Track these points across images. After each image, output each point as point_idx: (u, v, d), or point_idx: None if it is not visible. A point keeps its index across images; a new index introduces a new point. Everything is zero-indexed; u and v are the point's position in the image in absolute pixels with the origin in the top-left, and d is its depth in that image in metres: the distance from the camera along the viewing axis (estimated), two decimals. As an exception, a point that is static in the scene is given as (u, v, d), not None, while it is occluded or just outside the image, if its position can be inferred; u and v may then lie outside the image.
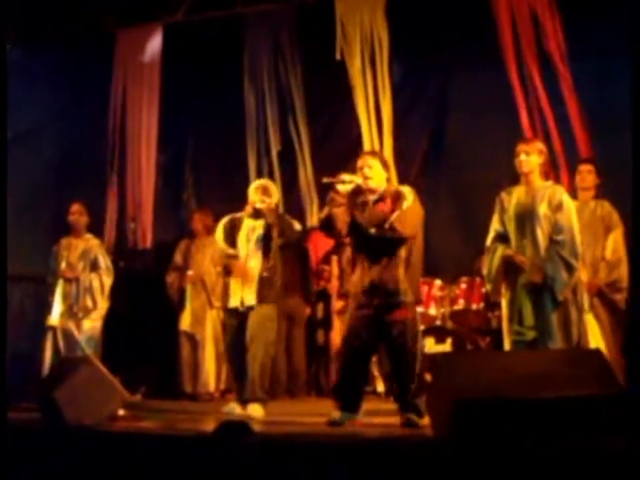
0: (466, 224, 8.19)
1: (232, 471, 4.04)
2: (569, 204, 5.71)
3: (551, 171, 6.33)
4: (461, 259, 8.17)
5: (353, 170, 5.85)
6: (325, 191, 6.02)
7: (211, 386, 8.38)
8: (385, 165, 5.91)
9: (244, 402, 6.43)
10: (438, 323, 7.90)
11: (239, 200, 6.82)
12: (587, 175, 6.68)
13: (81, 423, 5.49)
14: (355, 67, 8.24)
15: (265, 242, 6.55)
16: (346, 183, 5.69)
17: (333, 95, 8.76)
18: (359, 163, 5.86)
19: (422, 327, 7.89)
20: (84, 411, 5.66)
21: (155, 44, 8.96)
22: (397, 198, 5.70)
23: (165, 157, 9.15)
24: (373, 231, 5.62)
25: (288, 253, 7.82)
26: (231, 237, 6.68)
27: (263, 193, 6.59)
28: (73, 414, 5.62)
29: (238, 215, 6.74)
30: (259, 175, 8.51)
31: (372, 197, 5.77)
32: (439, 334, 7.72)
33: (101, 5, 8.76)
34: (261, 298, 6.48)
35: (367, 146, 8.10)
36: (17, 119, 8.56)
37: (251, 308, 6.48)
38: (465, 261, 7.97)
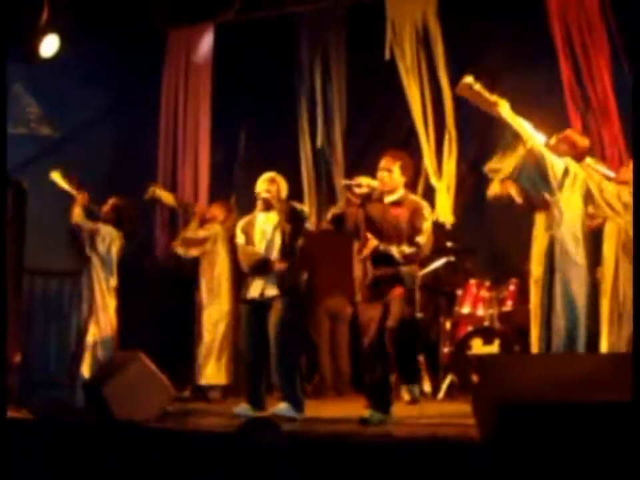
0: (515, 225, 8.12)
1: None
2: None
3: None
4: (510, 261, 8.11)
5: None
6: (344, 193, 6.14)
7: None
8: (405, 168, 5.97)
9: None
10: (486, 324, 7.86)
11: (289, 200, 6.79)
12: None
13: (130, 418, 5.57)
14: (407, 66, 8.20)
15: (280, 233, 6.39)
16: (362, 186, 5.84)
17: (381, 94, 8.76)
18: (381, 163, 5.97)
19: (470, 328, 7.94)
20: (133, 407, 5.75)
21: (206, 43, 9.02)
22: (415, 213, 5.85)
23: (216, 157, 9.18)
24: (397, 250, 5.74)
25: (329, 250, 7.82)
26: (251, 237, 6.54)
27: (269, 183, 6.50)
28: (122, 410, 5.71)
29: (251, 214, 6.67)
30: (315, 173, 8.57)
31: (389, 198, 5.90)
32: (487, 335, 7.66)
33: (153, 4, 8.84)
34: (282, 290, 6.28)
35: (423, 144, 8.10)
36: (69, 118, 8.69)
37: (271, 299, 6.29)
38: (514, 263, 7.91)
